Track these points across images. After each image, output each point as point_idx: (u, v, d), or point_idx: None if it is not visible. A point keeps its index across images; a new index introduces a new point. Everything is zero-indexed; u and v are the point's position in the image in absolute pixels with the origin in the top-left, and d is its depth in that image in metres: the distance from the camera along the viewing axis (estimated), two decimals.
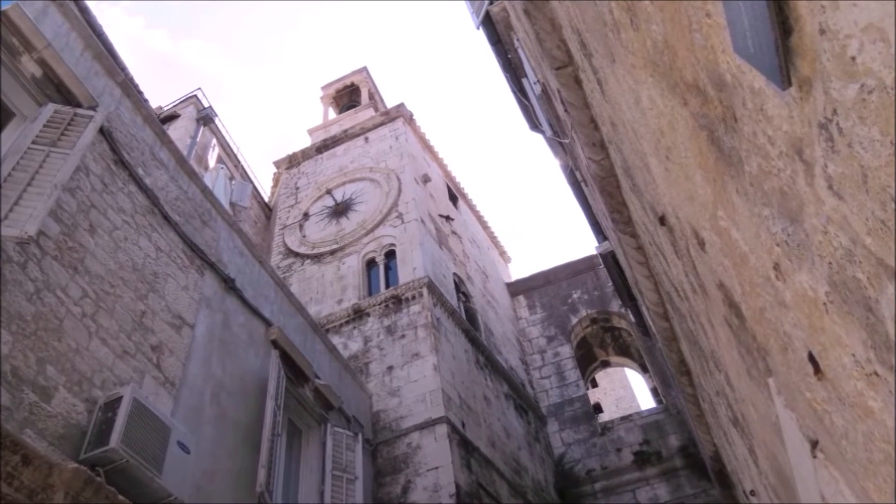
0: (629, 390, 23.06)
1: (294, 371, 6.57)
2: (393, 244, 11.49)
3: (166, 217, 5.56)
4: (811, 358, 1.33)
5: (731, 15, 1.02)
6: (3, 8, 4.28)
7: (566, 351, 13.50)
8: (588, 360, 14.55)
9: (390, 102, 18.65)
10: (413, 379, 8.80)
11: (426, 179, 14.04)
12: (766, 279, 1.46)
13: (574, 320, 14.06)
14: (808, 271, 1.15)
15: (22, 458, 3.12)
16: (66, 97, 4.68)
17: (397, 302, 10.06)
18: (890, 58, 0.72)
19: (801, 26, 0.88)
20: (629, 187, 3.79)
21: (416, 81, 61.48)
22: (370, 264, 11.50)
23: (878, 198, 0.82)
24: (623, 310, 12.65)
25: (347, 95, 19.38)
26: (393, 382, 8.89)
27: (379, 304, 10.15)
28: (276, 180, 15.98)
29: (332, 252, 11.92)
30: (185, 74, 51.32)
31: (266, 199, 15.50)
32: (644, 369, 14.23)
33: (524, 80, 6.79)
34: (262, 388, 5.90)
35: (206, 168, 12.44)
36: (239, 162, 14.44)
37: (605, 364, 15.22)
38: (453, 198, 15.86)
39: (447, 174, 16.43)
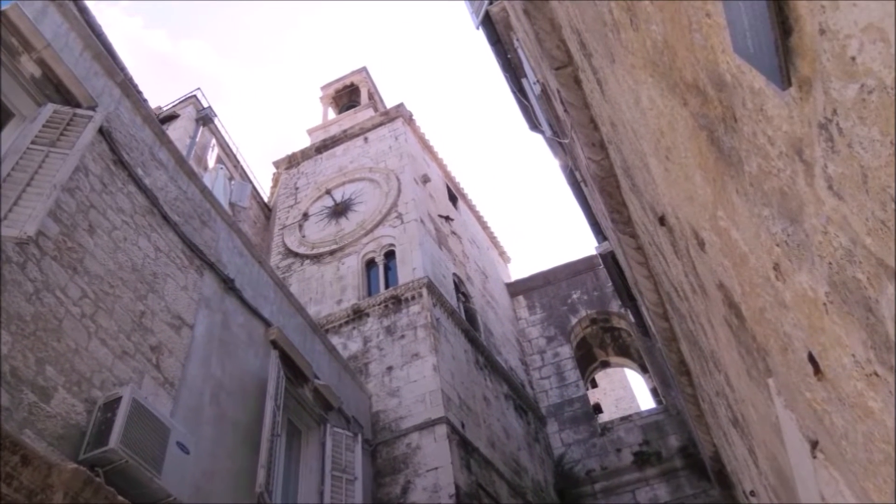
0: (629, 391, 23.06)
1: (293, 371, 6.57)
2: (392, 244, 11.49)
3: (165, 217, 5.56)
4: (811, 358, 1.33)
5: (730, 15, 1.02)
6: (3, 8, 4.28)
7: (566, 351, 13.50)
8: (588, 361, 14.55)
9: (390, 102, 18.67)
10: (412, 379, 8.80)
11: (426, 180, 14.04)
12: (765, 279, 1.46)
13: (574, 321, 14.06)
14: (808, 271, 1.15)
15: (21, 459, 3.12)
16: (66, 97, 4.68)
17: (397, 302, 10.06)
18: (890, 58, 0.72)
19: (801, 26, 0.88)
20: (629, 187, 3.79)
21: (416, 81, 61.50)
22: (370, 264, 11.50)
23: (878, 198, 0.82)
24: (623, 310, 12.65)
25: (347, 95, 19.38)
26: (392, 383, 8.89)
27: (378, 305, 10.15)
28: (276, 180, 15.97)
29: (332, 252, 11.92)
30: (184, 74, 51.33)
31: (265, 200, 15.50)
32: (644, 370, 14.23)
33: (524, 80, 6.79)
34: (261, 388, 5.90)
35: (206, 168, 12.43)
36: (238, 162, 14.44)
37: (605, 364, 15.22)
38: (453, 198, 15.86)
39: (447, 174, 16.43)
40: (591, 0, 2.31)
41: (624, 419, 12.28)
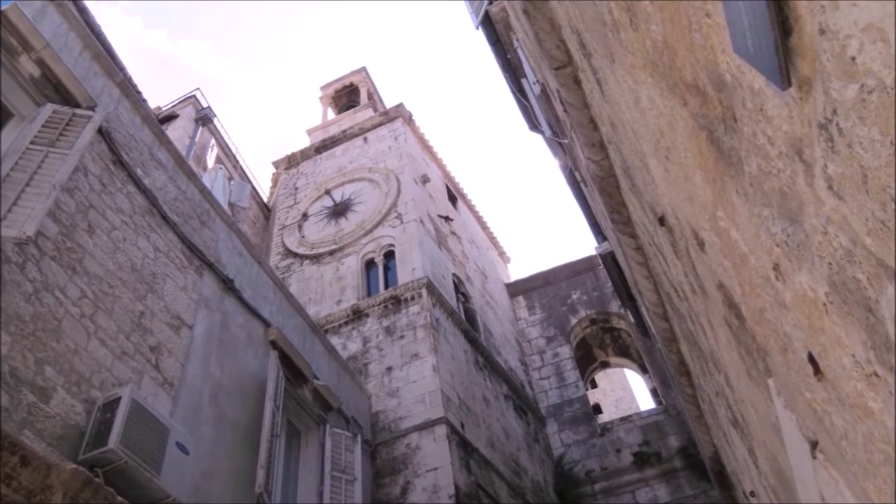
0: (629, 391, 23.06)
1: (293, 372, 6.57)
2: (392, 245, 11.49)
3: (165, 217, 5.55)
4: (811, 358, 1.33)
5: (730, 15, 1.02)
6: (2, 8, 4.27)
7: (565, 351, 13.50)
8: (587, 361, 14.55)
9: (389, 103, 18.67)
10: (412, 380, 8.80)
11: (425, 180, 14.04)
12: (765, 280, 1.46)
13: (573, 321, 14.06)
14: (808, 272, 1.15)
15: (20, 459, 3.12)
16: (65, 97, 4.68)
17: (396, 302, 10.05)
18: (890, 58, 0.72)
19: (801, 26, 0.88)
20: (629, 188, 3.79)
21: (416, 82, 61.51)
22: (369, 265, 11.49)
23: (878, 198, 0.82)
24: (622, 310, 12.65)
25: (346, 96, 19.38)
26: (392, 383, 8.89)
27: (378, 305, 10.15)
28: (275, 181, 15.97)
29: (331, 252, 11.92)
30: (183, 74, 51.34)
31: (265, 200, 15.49)
32: (643, 370, 14.23)
33: (523, 81, 6.79)
34: (260, 388, 5.90)
35: (205, 168, 12.43)
36: (238, 162, 14.44)
37: (605, 365, 15.22)
38: (452, 198, 15.86)
39: (446, 174, 16.43)
40: (591, 0, 2.31)
41: (624, 419, 12.27)
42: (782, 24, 0.91)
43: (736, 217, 1.50)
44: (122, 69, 7.40)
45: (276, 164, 16.04)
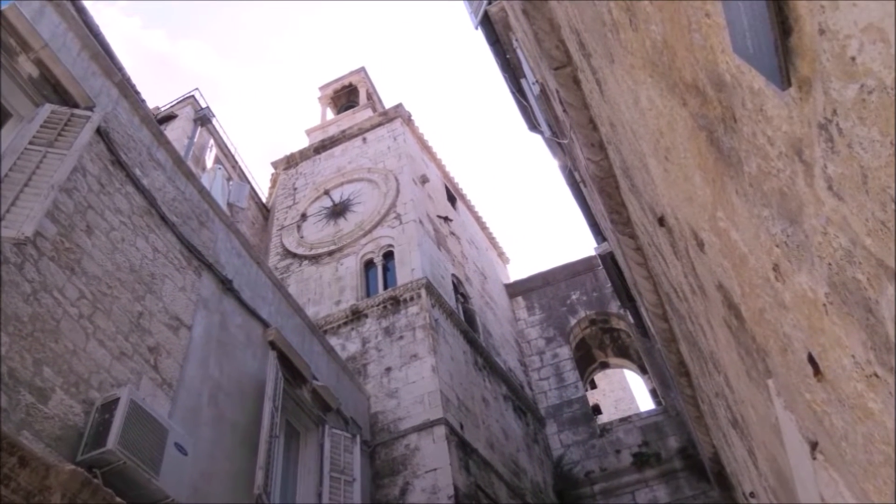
0: (628, 392, 23.07)
1: (292, 372, 6.56)
2: (391, 245, 11.49)
3: (164, 218, 5.55)
4: (811, 359, 1.33)
5: (730, 15, 1.02)
6: (1, 8, 4.27)
7: (565, 352, 13.50)
8: (587, 362, 14.55)
9: (388, 103, 18.68)
10: (411, 380, 8.79)
11: (424, 180, 14.03)
12: (765, 280, 1.46)
13: (573, 321, 14.06)
14: (808, 272, 1.15)
15: (19, 460, 3.11)
16: (63, 97, 4.67)
17: (395, 303, 10.05)
18: (890, 58, 0.72)
19: (801, 26, 0.88)
20: (628, 188, 3.79)
21: (415, 82, 61.53)
22: (368, 265, 11.49)
23: (877, 198, 0.82)
24: (622, 311, 12.65)
25: (345, 96, 19.37)
26: (391, 384, 8.88)
27: (377, 306, 10.14)
28: (274, 181, 15.96)
29: (330, 253, 11.91)
30: (182, 75, 51.32)
31: (264, 200, 15.48)
32: (643, 371, 14.23)
33: (523, 81, 6.79)
34: (259, 389, 5.89)
35: (204, 169, 12.42)
36: (236, 162, 14.43)
37: (604, 365, 15.23)
38: (451, 198, 15.86)
39: (445, 175, 16.43)
40: (591, 0, 2.31)
41: (623, 420, 12.27)
42: (782, 24, 0.91)
43: (736, 217, 1.50)
44: (120, 69, 7.39)
45: (274, 164, 16.04)
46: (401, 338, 9.48)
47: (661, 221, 2.83)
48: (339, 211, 12.99)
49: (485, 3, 6.28)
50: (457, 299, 11.67)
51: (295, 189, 14.67)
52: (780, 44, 0.91)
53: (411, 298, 10.01)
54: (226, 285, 6.15)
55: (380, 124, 15.44)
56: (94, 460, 3.68)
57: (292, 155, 15.79)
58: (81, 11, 7.08)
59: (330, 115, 18.81)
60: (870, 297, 0.92)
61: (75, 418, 3.81)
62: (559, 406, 12.51)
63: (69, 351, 3.96)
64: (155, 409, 4.27)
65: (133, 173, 5.32)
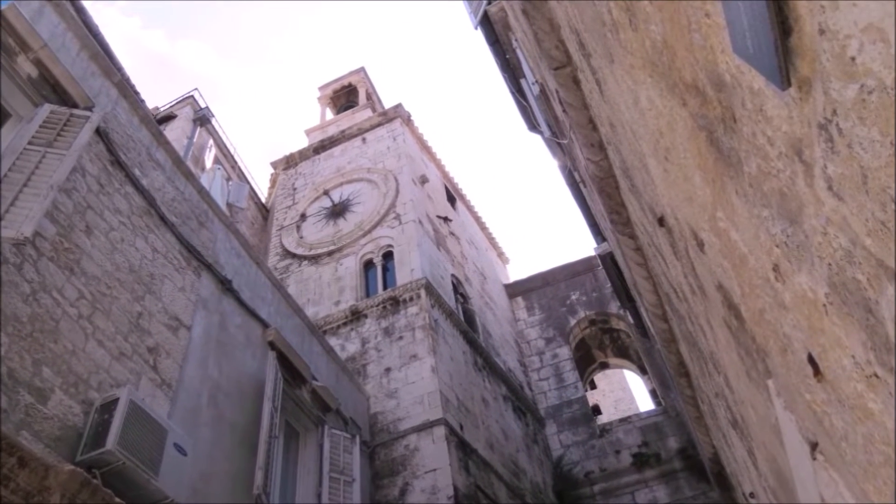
0: (628, 392, 23.07)
1: (291, 373, 6.56)
2: (391, 245, 11.48)
3: (163, 218, 5.54)
4: (811, 359, 1.33)
5: (730, 15, 1.02)
6: (0, 8, 4.26)
7: (565, 352, 13.50)
8: (587, 362, 14.55)
9: (388, 103, 18.67)
10: (411, 381, 8.79)
11: (424, 180, 14.03)
12: (765, 280, 1.46)
13: (572, 322, 14.06)
14: (808, 272, 1.15)
15: (18, 461, 3.11)
16: (63, 98, 4.67)
17: (395, 303, 10.04)
18: (890, 58, 0.72)
19: (801, 26, 0.88)
20: (628, 188, 3.79)
21: (414, 82, 61.54)
22: (368, 265, 11.49)
23: (877, 199, 0.82)
24: (622, 311, 12.65)
25: (345, 96, 19.37)
26: (391, 384, 8.88)
27: (376, 306, 10.14)
28: (274, 181, 15.96)
29: (330, 253, 11.91)
30: (181, 75, 51.32)
31: (263, 200, 15.48)
32: (643, 371, 14.23)
33: (522, 81, 6.80)
34: (259, 389, 5.89)
35: (203, 169, 12.42)
36: (236, 163, 14.43)
37: (604, 366, 15.23)
38: (451, 199, 15.86)
39: (445, 175, 16.43)
40: (590, 0, 2.31)
41: (623, 421, 12.27)
42: (782, 24, 0.91)
43: (735, 218, 1.50)
44: (119, 69, 7.39)
45: (274, 164, 16.03)
46: (400, 338, 9.47)
47: (661, 222, 2.83)
48: (338, 211, 12.98)
49: (484, 3, 6.28)
50: (456, 300, 11.67)
51: (294, 189, 14.67)
52: (780, 44, 0.91)
53: (411, 299, 10.01)
54: (225, 285, 6.14)
55: (379, 124, 15.44)
56: (93, 461, 3.67)
57: (292, 155, 15.78)
58: (81, 11, 7.08)
59: (329, 115, 18.81)
60: (870, 298, 0.92)
61: (74, 419, 3.81)
62: (559, 406, 12.50)
63: (68, 351, 3.96)
64: (154, 409, 4.27)
65: (132, 173, 5.32)
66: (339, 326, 10.13)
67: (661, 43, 1.55)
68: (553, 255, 58.68)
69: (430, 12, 58.27)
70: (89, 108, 4.75)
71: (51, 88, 4.62)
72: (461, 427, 8.57)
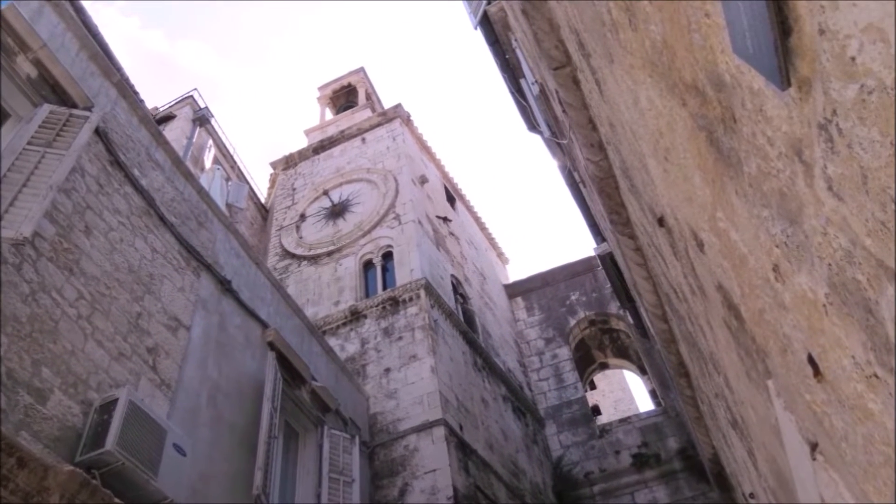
0: (628, 392, 23.07)
1: (291, 373, 6.55)
2: (390, 245, 11.48)
3: (162, 218, 5.54)
4: (811, 360, 1.33)
5: (730, 15, 1.02)
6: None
7: (564, 353, 13.50)
8: (586, 362, 14.55)
9: (387, 103, 18.67)
10: (410, 381, 8.79)
11: (423, 180, 14.03)
12: (765, 281, 1.46)
13: (572, 322, 14.06)
14: (808, 273, 1.15)
15: (17, 461, 3.11)
16: (62, 98, 4.66)
17: (394, 304, 10.04)
18: (890, 58, 0.72)
19: (801, 26, 0.88)
20: (628, 188, 3.79)
21: (414, 82, 61.54)
22: (367, 266, 11.48)
23: (877, 199, 0.82)
24: (621, 311, 12.65)
25: (344, 96, 19.36)
26: (390, 384, 8.87)
27: (376, 306, 10.14)
28: (273, 181, 15.95)
29: (329, 253, 11.90)
30: (181, 75, 51.31)
31: (262, 201, 15.48)
32: (643, 371, 14.23)
33: (522, 81, 6.80)
34: (258, 390, 5.88)
35: (203, 169, 12.42)
36: (235, 163, 14.43)
37: (604, 366, 15.22)
38: (451, 199, 15.86)
39: (445, 175, 16.43)
40: (590, 0, 2.31)
41: (623, 421, 12.27)
42: (782, 24, 0.91)
43: (735, 218, 1.50)
44: (119, 69, 7.39)
45: (273, 164, 16.03)
46: (400, 338, 9.47)
47: (661, 222, 2.83)
48: (338, 211, 12.98)
49: (484, 3, 6.28)
50: (456, 300, 11.67)
51: (294, 189, 14.67)
52: (780, 44, 0.91)
53: (410, 299, 10.00)
54: (224, 286, 6.14)
55: (379, 124, 15.44)
56: (92, 461, 3.67)
57: (291, 155, 15.78)
58: (80, 11, 7.07)
59: (329, 115, 18.80)
60: (870, 298, 0.92)
61: (74, 419, 3.81)
62: (558, 407, 12.50)
63: (68, 351, 3.96)
64: (153, 409, 4.27)
65: (132, 174, 5.32)
66: (338, 327, 10.12)
67: (661, 43, 1.55)
68: (553, 255, 58.72)
69: (429, 12, 58.29)
70: (88, 109, 4.75)
71: (50, 88, 4.61)
72: (461, 427, 8.57)
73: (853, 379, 1.10)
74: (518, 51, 6.25)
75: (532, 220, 61.96)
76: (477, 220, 17.33)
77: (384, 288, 10.73)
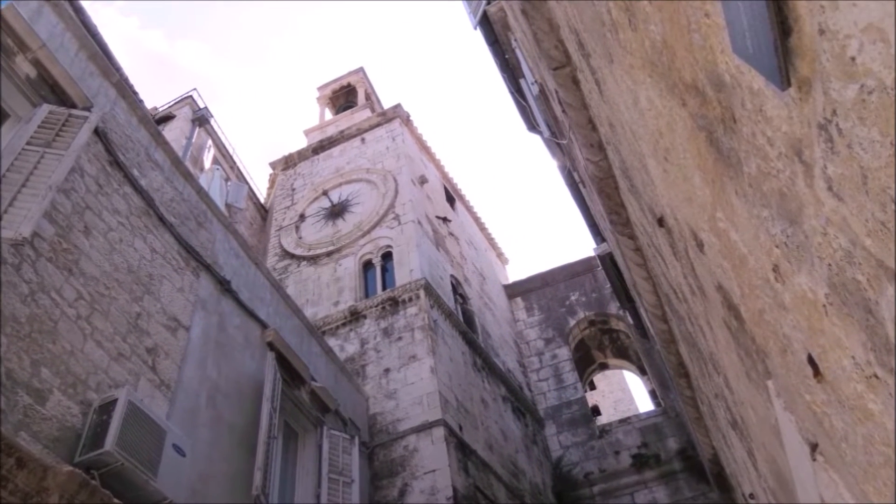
0: (627, 393, 23.07)
1: (290, 373, 6.55)
2: (390, 246, 11.48)
3: (162, 218, 5.53)
4: (811, 360, 1.33)
5: (729, 15, 1.02)
6: None
7: (564, 353, 13.50)
8: (586, 363, 14.55)
9: (387, 103, 18.66)
10: (410, 381, 8.78)
11: (423, 181, 14.03)
12: (765, 281, 1.45)
13: (572, 322, 14.06)
14: (808, 273, 1.15)
15: (16, 461, 3.10)
16: (61, 98, 4.66)
17: (394, 304, 10.04)
18: (890, 58, 0.72)
19: (801, 26, 0.88)
20: (627, 188, 3.79)
21: (413, 82, 61.54)
22: (367, 266, 11.48)
23: (877, 199, 0.82)
24: (621, 312, 12.65)
25: (344, 96, 19.36)
26: (390, 385, 8.87)
27: (375, 306, 10.13)
28: (272, 181, 15.95)
29: (329, 254, 11.90)
30: (180, 75, 51.31)
31: (262, 201, 15.47)
32: (642, 372, 14.23)
33: (522, 81, 6.80)
34: (257, 390, 5.88)
35: (202, 169, 12.41)
36: (235, 163, 14.42)
37: (604, 366, 15.22)
38: (450, 199, 15.86)
39: (444, 175, 16.43)
40: (590, 0, 2.31)
41: (622, 421, 12.27)
42: (782, 24, 0.91)
43: (735, 218, 1.49)
44: (118, 69, 7.38)
45: (273, 164, 16.02)
46: (399, 339, 9.47)
47: (661, 222, 2.83)
48: (337, 211, 12.97)
49: (483, 3, 6.28)
50: (455, 300, 11.67)
51: (293, 190, 14.66)
52: (780, 44, 0.91)
53: (410, 299, 10.00)
54: (224, 286, 6.14)
55: (378, 125, 15.43)
56: (91, 461, 3.67)
57: (290, 155, 15.77)
58: (79, 11, 7.07)
59: (328, 115, 18.80)
60: (870, 298, 0.92)
61: (73, 419, 3.80)
62: (558, 407, 12.50)
63: (67, 352, 3.95)
64: (153, 410, 4.26)
65: (131, 174, 5.31)
66: (338, 327, 10.12)
67: (661, 43, 1.55)
68: (552, 255, 58.73)
69: (429, 12, 58.30)
70: (88, 109, 4.74)
71: (49, 88, 4.61)
72: (460, 428, 8.56)
73: (853, 379, 1.10)
74: (518, 51, 6.25)
75: (532, 221, 61.97)
76: (476, 220, 17.33)
77: (384, 288, 10.72)
